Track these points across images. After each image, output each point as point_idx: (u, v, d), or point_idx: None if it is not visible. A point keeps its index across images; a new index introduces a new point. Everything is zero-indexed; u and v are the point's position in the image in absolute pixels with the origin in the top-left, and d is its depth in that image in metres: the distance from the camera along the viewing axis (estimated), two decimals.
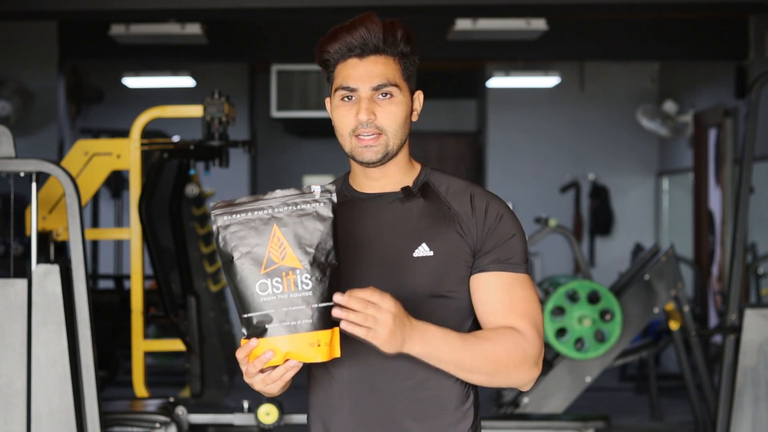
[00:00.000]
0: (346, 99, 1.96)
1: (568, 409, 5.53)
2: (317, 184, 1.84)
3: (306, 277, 1.77)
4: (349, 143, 1.97)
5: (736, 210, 4.68)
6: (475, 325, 2.00)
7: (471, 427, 1.99)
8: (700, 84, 8.69)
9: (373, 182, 2.01)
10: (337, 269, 1.81)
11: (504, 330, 1.91)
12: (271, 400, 4.32)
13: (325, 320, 1.78)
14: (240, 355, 1.79)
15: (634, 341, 6.85)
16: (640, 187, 9.79)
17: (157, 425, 4.14)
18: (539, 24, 6.28)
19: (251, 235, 1.79)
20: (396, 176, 2.02)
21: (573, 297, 5.46)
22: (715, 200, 8.34)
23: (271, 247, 1.78)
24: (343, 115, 1.96)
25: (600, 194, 9.63)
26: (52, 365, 3.55)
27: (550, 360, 5.54)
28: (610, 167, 9.74)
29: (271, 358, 1.76)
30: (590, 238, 9.68)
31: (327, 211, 1.81)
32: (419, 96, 2.05)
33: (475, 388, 2.02)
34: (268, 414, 4.29)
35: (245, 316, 1.78)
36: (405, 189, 2.00)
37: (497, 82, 8.89)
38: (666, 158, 9.58)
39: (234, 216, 1.80)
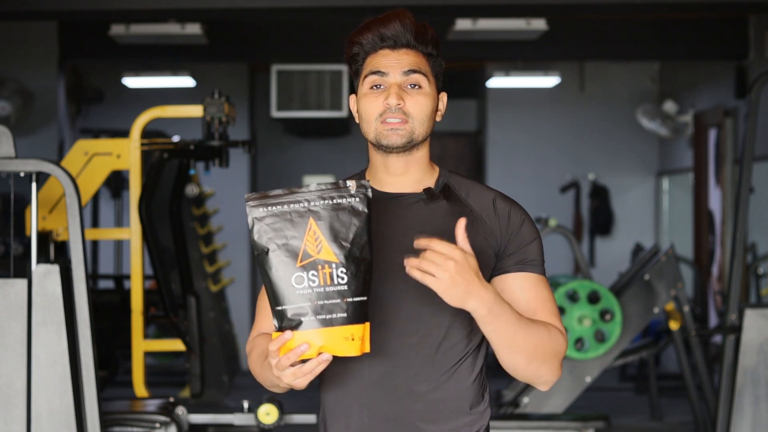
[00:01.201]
0: (375, 87, 1.97)
1: (568, 409, 5.53)
2: (352, 180, 1.84)
3: (342, 271, 1.78)
4: (374, 128, 1.97)
5: (736, 210, 4.68)
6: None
7: (486, 428, 2.00)
8: (700, 84, 8.69)
9: (393, 179, 2.01)
10: (371, 264, 1.82)
11: (544, 323, 1.95)
12: (271, 400, 4.32)
13: (359, 314, 1.79)
14: (273, 347, 1.78)
15: (634, 341, 6.85)
16: (640, 187, 9.79)
17: (157, 425, 4.14)
18: (539, 24, 6.28)
19: (287, 227, 1.79)
20: (417, 175, 2.02)
21: (573, 297, 5.46)
22: (715, 200, 8.34)
23: (307, 240, 1.79)
24: (371, 101, 1.97)
25: (600, 194, 9.63)
26: (52, 365, 3.55)
27: None
28: (610, 167, 9.74)
29: (306, 350, 1.76)
30: (590, 238, 9.68)
31: (362, 206, 1.82)
32: (444, 97, 2.05)
33: (488, 390, 2.03)
34: (268, 414, 4.29)
35: (279, 308, 1.78)
36: (427, 190, 2.01)
37: (497, 82, 8.89)
38: (666, 158, 9.58)
39: (270, 208, 1.80)
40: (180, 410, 4.24)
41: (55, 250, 4.46)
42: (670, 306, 5.77)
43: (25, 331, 3.54)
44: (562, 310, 5.42)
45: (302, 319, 1.77)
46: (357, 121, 2.03)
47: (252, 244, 1.80)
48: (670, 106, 8.71)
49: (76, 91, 8.88)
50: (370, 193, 1.83)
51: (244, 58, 8.79)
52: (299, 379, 1.80)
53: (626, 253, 9.37)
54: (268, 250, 1.79)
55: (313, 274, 1.78)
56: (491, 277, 1.99)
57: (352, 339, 1.78)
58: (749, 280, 6.96)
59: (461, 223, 1.81)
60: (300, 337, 1.77)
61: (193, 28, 6.46)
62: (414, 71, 1.97)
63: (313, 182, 1.84)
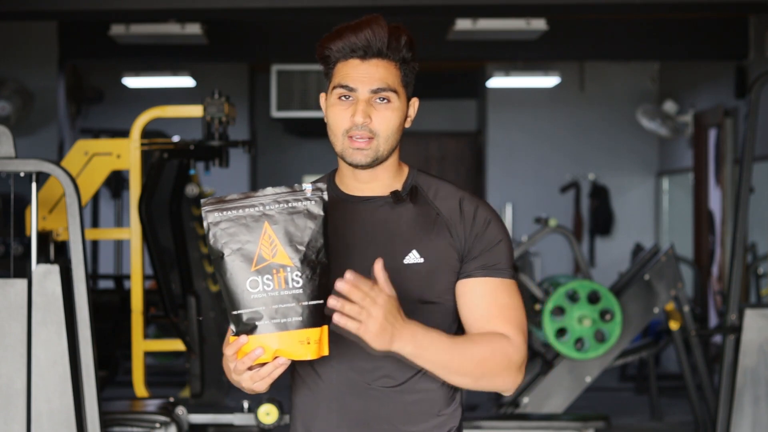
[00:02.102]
0: (343, 98, 1.95)
1: (568, 409, 5.53)
2: (308, 183, 1.84)
3: (297, 275, 1.77)
4: (341, 143, 1.96)
5: (736, 210, 4.68)
6: (461, 330, 1.99)
7: (457, 429, 2.00)
8: (700, 84, 8.69)
9: (362, 185, 2.00)
10: (327, 267, 1.81)
11: (491, 335, 1.92)
12: (271, 400, 4.32)
13: (315, 318, 1.78)
14: (229, 351, 1.79)
15: (634, 341, 6.85)
16: (640, 187, 9.79)
17: (157, 425, 4.14)
18: (539, 24, 6.28)
19: (242, 232, 1.79)
20: (385, 180, 2.01)
21: (573, 297, 5.46)
22: (715, 200, 8.34)
23: (262, 245, 1.78)
24: (338, 114, 1.96)
25: (600, 194, 9.63)
26: (52, 365, 3.55)
27: (550, 360, 5.54)
28: (610, 167, 9.74)
29: (261, 355, 1.76)
30: (590, 238, 9.68)
31: (318, 209, 1.81)
32: (414, 103, 2.04)
33: (460, 391, 2.02)
34: (268, 414, 4.29)
35: (235, 312, 1.78)
36: (395, 193, 1.99)
37: (497, 82, 8.88)
38: (666, 158, 9.58)
39: (225, 213, 1.80)
40: (180, 410, 4.24)
41: (55, 250, 4.46)
42: (670, 306, 5.77)
43: (25, 331, 3.54)
44: (562, 310, 5.42)
45: (257, 323, 1.77)
46: (326, 121, 2.02)
47: (208, 249, 1.80)
48: (670, 106, 8.71)
49: (76, 91, 8.88)
50: (326, 197, 1.82)
51: (244, 58, 8.80)
52: (257, 383, 1.80)
53: (626, 253, 9.36)
54: (224, 254, 1.79)
55: (267, 278, 1.77)
56: (456, 281, 1.97)
57: (308, 342, 1.77)
58: (749, 280, 6.95)
59: (378, 264, 1.79)
60: (255, 342, 1.77)
61: (193, 28, 6.46)
62: (382, 89, 1.95)
63: (269, 187, 1.83)
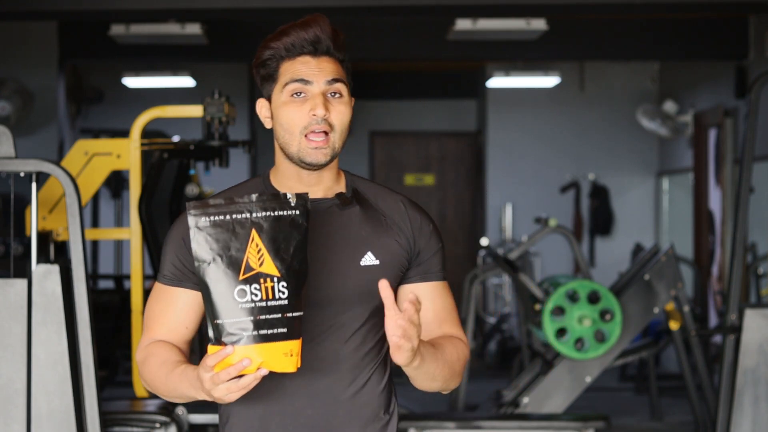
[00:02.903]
0: (296, 95, 1.92)
1: (568, 409, 5.53)
2: (291, 192, 1.80)
3: (283, 285, 1.74)
4: (297, 143, 1.92)
5: (736, 210, 4.68)
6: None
7: (396, 428, 2.03)
8: (700, 84, 8.69)
9: (306, 187, 1.96)
10: (306, 279, 1.79)
11: (451, 339, 1.99)
12: None
13: (297, 330, 1.75)
14: (212, 362, 1.72)
15: (634, 341, 6.85)
16: (640, 187, 9.79)
17: (157, 425, 4.14)
18: (539, 24, 6.28)
19: (230, 237, 1.74)
20: (328, 182, 1.98)
21: (573, 297, 5.46)
22: (715, 200, 8.34)
23: (249, 252, 1.74)
24: (293, 111, 1.92)
25: (600, 194, 9.63)
26: (52, 365, 3.55)
27: (550, 360, 5.54)
28: (610, 167, 9.74)
29: (248, 366, 1.71)
30: (590, 238, 9.68)
31: (302, 219, 1.78)
32: (352, 102, 2.00)
33: (395, 393, 2.05)
34: None
35: (219, 321, 1.72)
36: (340, 195, 1.97)
37: (497, 82, 8.88)
38: (666, 158, 9.58)
39: (212, 217, 1.75)
40: (180, 410, 4.24)
41: (55, 250, 4.45)
42: (670, 306, 5.77)
43: (25, 331, 3.54)
44: (562, 310, 5.42)
45: (243, 333, 1.71)
46: (266, 126, 1.98)
47: (193, 255, 1.74)
48: (670, 106, 8.71)
49: (76, 91, 8.88)
50: (309, 206, 1.80)
51: (244, 58, 8.79)
52: (232, 393, 1.74)
53: (626, 253, 9.36)
54: (209, 261, 1.73)
55: (255, 288, 1.73)
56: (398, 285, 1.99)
57: (291, 355, 1.74)
58: (749, 280, 6.95)
59: (385, 285, 1.77)
60: (241, 353, 1.71)
61: (193, 28, 6.46)
62: (336, 80, 1.93)
63: (254, 194, 1.78)
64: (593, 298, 5.43)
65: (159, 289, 1.98)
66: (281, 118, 1.93)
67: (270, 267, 1.74)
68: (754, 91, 4.68)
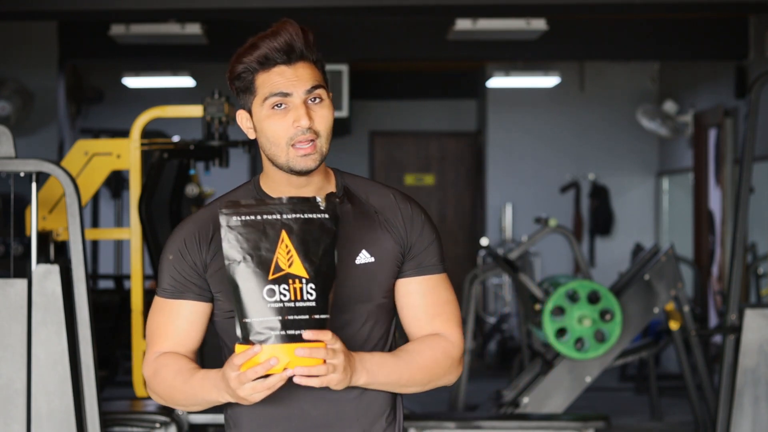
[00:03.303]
0: (276, 107, 1.91)
1: (568, 409, 5.53)
2: (321, 196, 1.81)
3: (311, 287, 1.75)
4: (285, 154, 1.92)
5: (736, 210, 4.68)
6: (397, 324, 2.04)
7: (402, 426, 2.03)
8: (700, 84, 8.69)
9: (295, 190, 1.97)
10: (334, 282, 1.79)
11: (431, 339, 1.98)
12: None
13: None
14: (239, 360, 1.74)
15: (634, 341, 6.85)
16: (640, 187, 9.79)
17: (157, 425, 4.14)
18: (539, 24, 6.28)
19: (260, 237, 1.76)
20: (317, 182, 1.99)
21: (573, 297, 5.46)
22: (715, 200, 8.34)
23: (279, 253, 1.75)
24: (276, 124, 1.91)
25: (600, 194, 9.62)
26: (52, 365, 3.55)
27: (550, 360, 5.54)
28: (610, 167, 9.74)
29: (275, 365, 1.73)
30: (590, 238, 9.68)
31: (331, 224, 1.80)
32: (331, 96, 2.00)
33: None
34: None
35: (247, 320, 1.73)
36: (331, 195, 1.95)
37: (497, 82, 8.88)
38: (666, 158, 9.58)
39: (243, 217, 1.77)
40: (180, 410, 4.24)
41: (55, 250, 4.45)
42: (670, 306, 5.77)
43: (25, 331, 3.54)
44: (562, 310, 5.42)
45: (271, 333, 1.73)
46: (250, 137, 1.99)
47: (223, 254, 1.76)
48: (670, 106, 8.71)
49: (76, 91, 8.88)
50: (338, 211, 1.81)
51: None
52: (258, 393, 1.76)
53: (626, 253, 9.36)
54: (239, 260, 1.75)
55: (284, 288, 1.74)
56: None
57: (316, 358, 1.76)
58: (749, 280, 6.95)
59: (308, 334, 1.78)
60: (268, 352, 1.73)
61: (193, 28, 6.46)
62: (316, 87, 1.92)
63: (284, 195, 1.81)
64: (593, 298, 5.43)
65: (160, 303, 1.98)
66: (266, 132, 1.93)
67: (299, 268, 1.76)
68: (754, 91, 4.68)
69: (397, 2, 5.67)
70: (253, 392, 1.75)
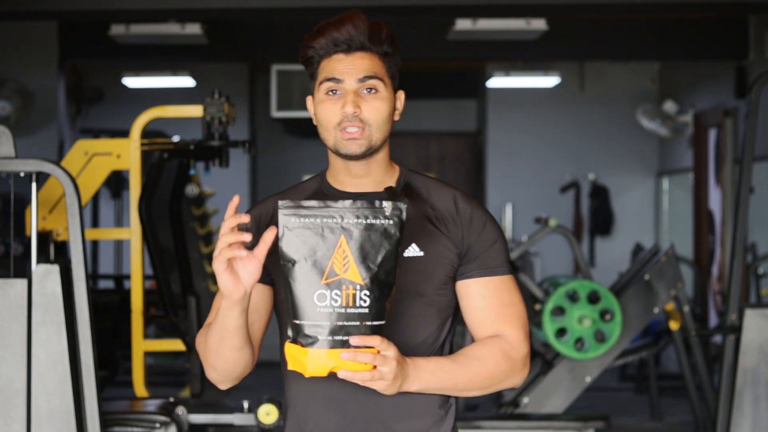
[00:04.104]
0: (330, 93, 1.96)
1: (568, 409, 5.53)
2: (388, 201, 1.80)
3: (366, 294, 1.75)
4: (333, 136, 1.96)
5: (736, 210, 4.68)
6: (454, 324, 2.03)
7: (452, 426, 2.02)
8: (700, 84, 8.69)
9: (355, 180, 2.00)
10: (393, 289, 1.79)
11: (492, 342, 1.97)
12: (271, 400, 4.32)
13: None
14: (227, 224, 1.76)
15: (634, 341, 6.85)
16: (640, 187, 9.79)
17: (157, 425, 4.14)
18: (539, 24, 6.28)
19: (317, 241, 1.75)
20: (378, 176, 2.01)
21: (573, 297, 5.46)
22: (715, 200, 8.34)
23: (335, 258, 1.75)
24: (328, 109, 1.96)
25: (600, 194, 9.63)
26: (52, 365, 3.55)
27: (550, 360, 5.54)
28: (610, 167, 9.74)
29: (318, 370, 1.76)
30: (590, 238, 9.68)
31: (395, 230, 1.78)
32: (401, 96, 2.04)
33: None
34: (268, 414, 4.29)
35: (297, 322, 1.75)
36: (389, 189, 2.00)
37: (497, 82, 8.88)
38: (666, 158, 9.58)
39: (302, 219, 1.76)
40: (180, 410, 4.24)
41: (55, 250, 4.45)
42: (670, 306, 5.77)
43: (25, 331, 3.54)
44: (561, 310, 5.42)
45: (319, 336, 1.74)
46: (315, 123, 2.03)
47: (279, 253, 1.76)
48: (670, 106, 8.71)
49: (76, 91, 8.88)
50: (404, 216, 1.79)
51: (244, 58, 8.80)
52: (221, 257, 1.78)
53: (626, 253, 9.37)
54: (295, 261, 1.75)
55: (336, 293, 1.74)
56: (455, 281, 1.99)
57: (364, 363, 1.76)
58: (749, 280, 6.96)
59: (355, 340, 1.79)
60: (314, 356, 1.75)
61: (193, 28, 6.46)
62: (369, 77, 1.96)
63: (348, 199, 1.80)
64: (593, 298, 5.43)
65: None
66: (318, 115, 1.99)
67: (354, 274, 1.75)
68: (754, 91, 4.68)
69: (397, 2, 5.68)
70: (220, 256, 1.77)
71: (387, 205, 1.78)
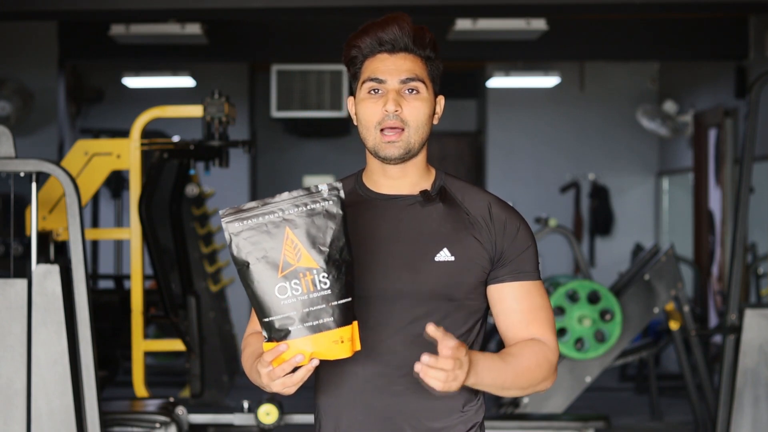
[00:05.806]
0: (373, 92, 1.99)
1: (568, 409, 5.53)
2: (324, 183, 1.85)
3: (324, 276, 1.79)
4: (373, 137, 1.99)
5: (736, 210, 4.68)
6: (483, 327, 2.05)
7: (480, 425, 2.03)
8: (700, 84, 8.69)
9: (391, 182, 2.03)
10: (351, 264, 1.83)
11: (532, 344, 1.99)
12: (271, 400, 4.32)
13: (346, 316, 1.81)
14: (269, 357, 1.80)
15: (634, 341, 6.85)
16: (640, 187, 9.79)
17: (157, 425, 4.14)
18: (539, 24, 6.28)
19: (264, 239, 1.80)
20: (414, 178, 2.04)
21: (573, 297, 5.46)
22: (715, 200, 8.34)
23: (285, 250, 1.80)
24: (369, 107, 1.99)
25: (600, 194, 9.62)
26: (52, 365, 3.55)
27: None
28: (610, 167, 9.74)
29: (302, 360, 1.79)
30: (590, 238, 9.68)
31: (336, 209, 1.83)
32: (441, 100, 2.07)
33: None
34: (268, 414, 4.29)
35: (266, 319, 1.79)
36: (424, 192, 2.02)
37: (497, 82, 8.89)
38: (666, 158, 9.58)
39: (245, 222, 1.81)
40: (180, 410, 4.24)
41: (55, 250, 4.45)
42: (670, 306, 5.77)
43: (25, 331, 3.54)
44: (562, 310, 5.42)
45: (290, 328, 1.79)
46: (355, 123, 2.05)
47: (232, 259, 1.81)
48: (670, 106, 8.71)
49: (76, 91, 8.88)
50: (342, 194, 1.84)
51: (244, 58, 8.79)
52: (288, 388, 1.82)
53: (626, 253, 9.36)
54: (249, 263, 1.80)
55: (295, 283, 1.79)
56: (486, 284, 2.01)
57: (342, 341, 1.80)
58: (749, 280, 6.96)
59: (432, 327, 1.81)
60: (294, 347, 1.79)
61: (193, 28, 6.46)
62: (411, 78, 1.99)
63: (285, 192, 1.85)
64: (593, 298, 5.44)
65: None
66: (359, 114, 2.01)
67: (308, 260, 1.80)
68: (754, 91, 4.68)
69: (398, 2, 5.68)
70: (284, 387, 1.82)
71: (323, 188, 1.84)
